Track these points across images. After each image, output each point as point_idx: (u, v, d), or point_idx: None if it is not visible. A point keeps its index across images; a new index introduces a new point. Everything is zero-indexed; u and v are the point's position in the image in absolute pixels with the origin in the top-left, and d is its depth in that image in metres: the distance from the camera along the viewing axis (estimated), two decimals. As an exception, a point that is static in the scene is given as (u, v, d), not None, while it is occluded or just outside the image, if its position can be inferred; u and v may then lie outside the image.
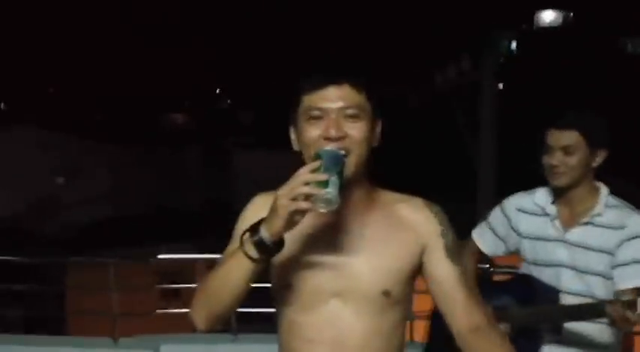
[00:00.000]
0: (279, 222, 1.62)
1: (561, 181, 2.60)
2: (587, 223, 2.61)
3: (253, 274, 1.68)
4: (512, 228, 2.78)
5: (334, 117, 1.70)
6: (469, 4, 16.27)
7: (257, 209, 1.75)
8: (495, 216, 2.83)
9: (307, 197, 1.59)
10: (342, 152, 1.68)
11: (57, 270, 8.21)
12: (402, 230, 1.79)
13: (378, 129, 1.79)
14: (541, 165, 2.68)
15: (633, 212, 2.61)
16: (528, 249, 2.75)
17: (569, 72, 19.04)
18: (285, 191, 1.62)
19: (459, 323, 1.80)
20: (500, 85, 18.39)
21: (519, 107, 17.83)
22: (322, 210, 1.62)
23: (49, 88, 22.31)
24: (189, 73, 21.12)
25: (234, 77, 23.14)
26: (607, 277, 2.56)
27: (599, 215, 2.60)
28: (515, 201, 2.79)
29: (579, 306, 2.55)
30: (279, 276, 1.80)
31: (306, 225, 1.71)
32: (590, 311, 2.51)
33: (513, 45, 21.04)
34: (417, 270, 1.81)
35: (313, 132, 1.71)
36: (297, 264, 1.77)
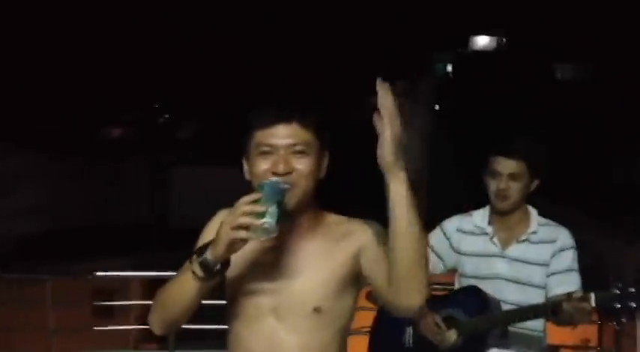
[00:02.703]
0: (221, 248, 1.75)
1: (505, 205, 2.87)
2: (524, 240, 2.90)
3: (201, 290, 1.81)
4: (452, 247, 3.02)
5: (283, 153, 1.84)
6: (405, 28, 16.56)
7: (215, 227, 1.87)
8: (435, 236, 3.05)
9: (247, 227, 1.72)
10: (284, 185, 1.80)
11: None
12: (339, 243, 1.91)
13: (325, 162, 1.93)
14: (485, 187, 2.93)
15: (561, 227, 2.94)
16: (469, 265, 2.99)
17: (501, 96, 19.52)
18: (228, 219, 1.75)
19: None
20: (437, 106, 18.74)
21: (455, 129, 18.20)
22: (261, 239, 1.76)
23: (-18, 99, 21.79)
24: (129, 85, 20.89)
25: (174, 92, 22.98)
26: (543, 287, 2.86)
27: (534, 232, 2.90)
28: (455, 222, 3.04)
29: (535, 306, 2.80)
30: (230, 293, 1.95)
31: (255, 247, 1.87)
32: (545, 309, 2.77)
33: (449, 68, 21.49)
34: (354, 281, 1.92)
35: (263, 166, 1.85)
36: (244, 282, 1.91)
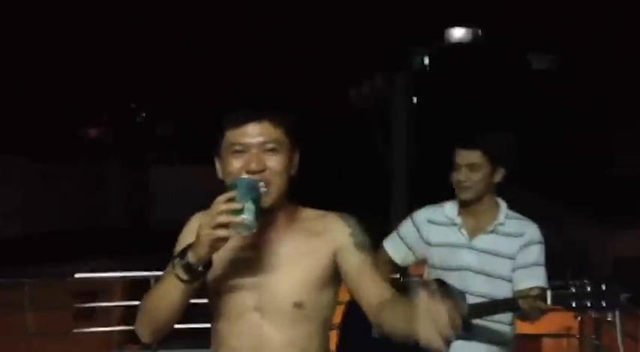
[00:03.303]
0: (203, 249, 1.78)
1: (467, 195, 2.92)
2: (491, 232, 2.93)
3: (186, 293, 1.84)
4: (421, 238, 3.05)
5: (255, 151, 1.87)
6: (382, 21, 16.60)
7: (193, 230, 1.88)
8: (406, 227, 3.09)
9: (226, 225, 1.74)
10: (258, 182, 1.83)
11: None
12: (317, 240, 1.95)
13: (296, 159, 1.96)
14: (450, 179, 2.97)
15: (529, 221, 2.97)
16: (437, 256, 3.01)
17: (478, 87, 19.60)
18: (206, 220, 1.77)
19: (372, 300, 1.93)
20: (415, 99, 18.79)
21: (432, 121, 18.26)
22: (242, 234, 1.79)
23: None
24: (106, 85, 20.78)
25: (153, 91, 22.90)
26: (509, 280, 2.88)
27: (502, 224, 2.93)
28: (425, 214, 3.07)
29: (495, 302, 2.84)
30: (212, 292, 1.96)
31: (234, 246, 1.91)
32: (504, 305, 2.82)
33: (426, 60, 21.53)
34: (334, 276, 1.96)
35: (236, 164, 1.88)
36: (226, 280, 1.94)
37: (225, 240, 1.77)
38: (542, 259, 2.92)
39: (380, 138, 17.02)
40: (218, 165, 1.95)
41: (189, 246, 1.81)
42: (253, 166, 1.85)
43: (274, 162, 1.88)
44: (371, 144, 17.73)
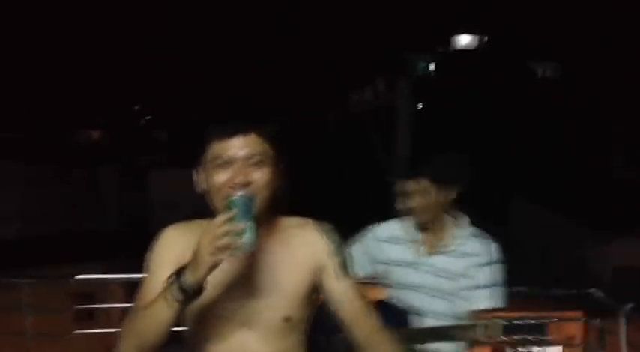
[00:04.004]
0: (202, 271, 1.76)
1: (421, 219, 2.94)
2: (449, 251, 2.93)
3: (178, 313, 1.83)
4: (377, 254, 3.05)
5: (240, 164, 1.86)
6: (386, 27, 16.58)
7: (169, 243, 1.87)
8: (360, 241, 3.10)
9: (227, 247, 1.73)
10: (252, 197, 1.82)
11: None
12: (298, 254, 1.95)
13: (283, 171, 1.96)
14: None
15: (488, 240, 2.97)
16: (393, 273, 3.03)
17: (482, 94, 19.58)
18: (206, 242, 1.74)
19: (363, 328, 1.97)
20: (419, 106, 18.78)
21: (436, 128, 18.23)
22: (241, 254, 1.78)
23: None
24: (103, 89, 20.78)
25: (150, 94, 22.90)
26: (466, 299, 2.86)
27: (460, 244, 2.93)
28: (382, 230, 3.09)
29: (448, 327, 2.81)
30: (195, 310, 1.93)
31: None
32: (457, 332, 2.76)
33: (431, 67, 21.54)
34: (316, 289, 1.98)
35: (221, 177, 1.87)
36: (210, 298, 1.91)
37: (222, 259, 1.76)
38: (499, 279, 2.90)
39: (380, 147, 16.98)
40: (198, 178, 1.96)
41: (185, 267, 1.78)
42: (239, 180, 1.84)
43: (260, 176, 1.86)
44: (371, 152, 17.70)
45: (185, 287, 1.77)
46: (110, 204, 19.88)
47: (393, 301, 2.96)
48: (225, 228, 1.72)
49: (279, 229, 1.98)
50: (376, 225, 3.10)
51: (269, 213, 1.94)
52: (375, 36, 16.76)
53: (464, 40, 22.04)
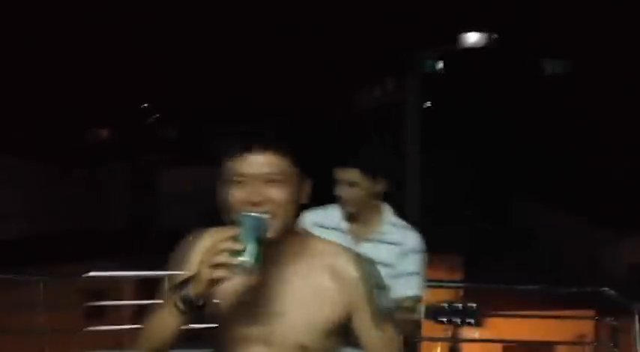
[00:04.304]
0: (201, 286, 1.76)
1: (349, 208, 3.01)
2: (374, 239, 3.01)
3: (183, 320, 1.83)
4: None
5: (258, 182, 1.81)
6: (394, 24, 16.55)
7: (201, 250, 1.85)
8: None
9: (225, 265, 1.71)
10: (265, 218, 1.78)
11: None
12: (332, 286, 1.88)
13: (307, 188, 1.91)
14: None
15: (411, 230, 3.06)
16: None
17: (491, 92, 19.54)
18: (205, 258, 1.74)
19: None
20: (427, 104, 18.74)
21: (445, 126, 18.20)
22: (240, 275, 1.75)
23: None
24: (111, 86, 20.79)
25: (157, 92, 22.92)
26: (390, 287, 2.86)
27: (383, 233, 3.02)
28: (311, 217, 3.10)
29: None
30: (218, 320, 1.92)
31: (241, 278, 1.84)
32: None
33: (439, 65, 21.49)
34: (342, 326, 1.90)
35: (238, 195, 1.82)
36: (231, 310, 1.89)
37: (223, 280, 1.74)
38: (420, 268, 2.98)
39: (389, 146, 16.90)
40: (219, 190, 1.89)
41: (189, 278, 1.79)
42: (255, 198, 1.79)
43: (278, 194, 1.82)
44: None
45: (186, 299, 1.78)
46: (117, 203, 19.93)
47: None
48: (225, 245, 1.71)
49: (315, 251, 1.92)
50: (311, 210, 3.10)
51: (292, 231, 1.90)
52: (383, 34, 16.73)
53: (472, 38, 21.98)
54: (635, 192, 14.93)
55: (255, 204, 1.79)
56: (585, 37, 18.26)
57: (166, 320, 1.83)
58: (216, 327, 1.94)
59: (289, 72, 18.82)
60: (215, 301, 1.86)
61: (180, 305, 1.79)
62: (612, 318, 4.38)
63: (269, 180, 1.82)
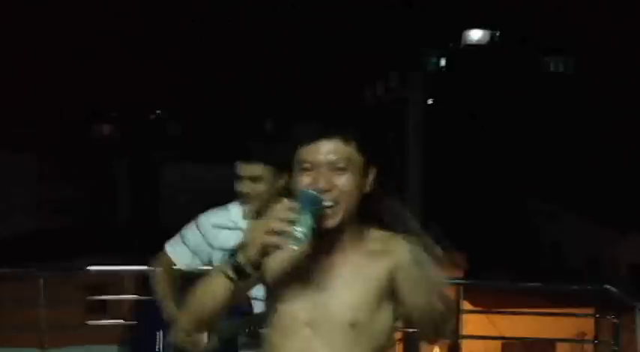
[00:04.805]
0: (252, 252, 1.77)
1: (253, 205, 2.92)
2: None
3: (233, 292, 1.82)
4: (206, 243, 3.04)
5: (323, 169, 1.82)
6: (398, 22, 16.53)
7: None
8: (191, 231, 3.08)
9: (279, 232, 1.72)
10: (323, 198, 1.79)
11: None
12: (378, 258, 1.87)
13: (372, 176, 1.89)
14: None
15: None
16: (223, 261, 2.99)
17: (494, 89, 19.51)
18: (259, 223, 1.76)
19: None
20: (430, 101, 18.72)
21: (447, 122, 18.17)
22: (292, 247, 1.74)
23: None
24: (118, 83, 20.80)
25: (163, 88, 22.93)
26: None
27: None
28: (211, 217, 3.06)
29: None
30: (268, 301, 1.94)
31: (297, 258, 1.86)
32: None
33: (442, 62, 21.47)
34: (392, 298, 1.88)
35: (304, 181, 1.83)
36: (282, 292, 1.89)
37: (276, 247, 1.75)
38: None
39: (392, 140, 16.92)
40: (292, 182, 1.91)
41: (242, 245, 1.79)
42: (320, 185, 1.80)
43: (343, 182, 1.82)
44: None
45: (237, 266, 1.78)
46: (123, 198, 19.96)
47: None
48: (281, 213, 1.73)
49: (367, 239, 1.91)
50: (211, 210, 3.07)
51: (353, 220, 1.88)
52: (389, 31, 16.70)
53: (476, 35, 21.97)
54: (638, 193, 14.91)
55: (320, 191, 1.80)
56: (590, 34, 18.23)
57: (215, 290, 1.82)
58: (266, 303, 1.96)
59: (295, 69, 18.80)
60: (266, 274, 1.86)
61: (230, 273, 1.79)
62: (613, 316, 4.35)
63: (335, 167, 1.83)
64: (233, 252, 1.81)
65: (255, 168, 2.89)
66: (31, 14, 17.97)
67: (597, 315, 4.61)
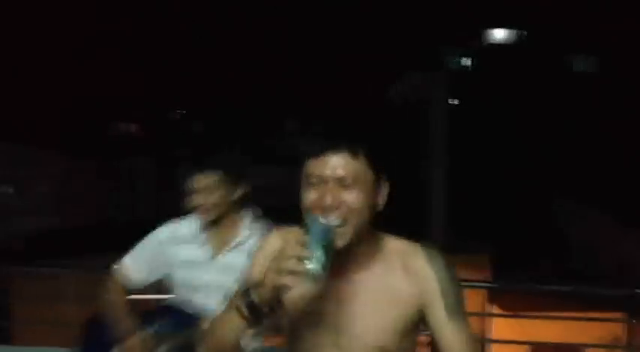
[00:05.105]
0: (266, 292, 1.69)
1: (209, 217, 2.88)
2: (233, 248, 2.89)
3: (250, 328, 1.76)
4: (164, 256, 2.99)
5: (331, 185, 1.74)
6: (421, 21, 16.48)
7: (269, 254, 1.79)
8: (147, 245, 3.05)
9: (291, 272, 1.64)
10: (333, 224, 1.71)
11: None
12: (403, 282, 1.82)
13: (384, 192, 1.82)
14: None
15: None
16: (180, 275, 2.96)
17: (519, 89, 19.40)
18: (272, 264, 1.68)
19: None
20: (455, 101, 18.65)
21: (472, 122, 18.09)
22: (307, 284, 1.69)
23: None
24: (141, 81, 20.91)
25: (186, 87, 23.02)
26: None
27: (243, 239, 2.89)
28: (167, 231, 3.04)
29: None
30: (290, 324, 1.87)
31: (313, 289, 1.80)
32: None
33: (465, 61, 21.38)
34: (417, 324, 1.85)
35: (311, 196, 1.76)
36: (304, 315, 1.84)
37: (289, 288, 1.67)
38: None
39: (416, 140, 16.83)
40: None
41: (255, 284, 1.72)
42: (327, 201, 1.72)
43: (352, 199, 1.74)
44: (406, 145, 17.56)
45: (251, 305, 1.71)
46: (146, 196, 20.08)
47: (179, 304, 2.90)
48: (292, 252, 1.65)
49: (386, 251, 1.85)
50: (162, 227, 3.05)
51: (367, 234, 1.81)
52: (411, 30, 16.65)
53: (500, 34, 21.85)
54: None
55: (327, 208, 1.73)
56: (616, 33, 18.08)
57: (232, 325, 1.76)
58: (288, 336, 1.90)
59: (316, 69, 18.79)
60: (285, 309, 1.79)
61: (245, 311, 1.72)
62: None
63: (343, 183, 1.75)
64: (248, 289, 1.74)
65: (210, 179, 2.84)
66: (48, 13, 18.07)
67: (634, 321, 4.55)
